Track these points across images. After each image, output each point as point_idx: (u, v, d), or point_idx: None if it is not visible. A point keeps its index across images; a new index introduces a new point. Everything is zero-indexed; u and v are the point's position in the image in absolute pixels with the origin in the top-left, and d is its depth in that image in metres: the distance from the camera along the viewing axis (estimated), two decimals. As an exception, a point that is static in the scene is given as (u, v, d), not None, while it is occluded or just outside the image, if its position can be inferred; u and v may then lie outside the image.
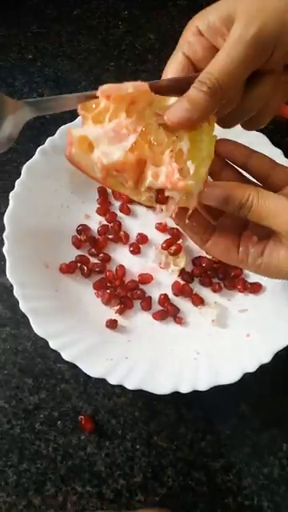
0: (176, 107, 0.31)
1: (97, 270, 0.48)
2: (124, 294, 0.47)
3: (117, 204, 0.52)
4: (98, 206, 0.52)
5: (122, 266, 0.49)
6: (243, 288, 0.47)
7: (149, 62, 0.63)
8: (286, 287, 0.46)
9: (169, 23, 0.66)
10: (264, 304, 0.46)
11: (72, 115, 0.56)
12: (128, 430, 0.44)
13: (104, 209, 0.52)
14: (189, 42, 0.34)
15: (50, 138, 0.51)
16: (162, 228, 0.50)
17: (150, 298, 0.47)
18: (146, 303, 0.47)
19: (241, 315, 0.46)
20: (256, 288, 0.47)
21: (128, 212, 0.52)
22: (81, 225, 0.50)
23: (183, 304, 0.47)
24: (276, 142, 0.51)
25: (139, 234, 0.50)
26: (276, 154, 0.50)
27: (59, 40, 0.65)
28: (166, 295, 0.47)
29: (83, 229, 0.50)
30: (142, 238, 0.50)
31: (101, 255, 0.49)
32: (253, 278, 0.48)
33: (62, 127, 0.51)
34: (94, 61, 0.64)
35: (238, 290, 0.47)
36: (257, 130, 0.51)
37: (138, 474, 0.43)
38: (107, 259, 0.49)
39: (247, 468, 0.43)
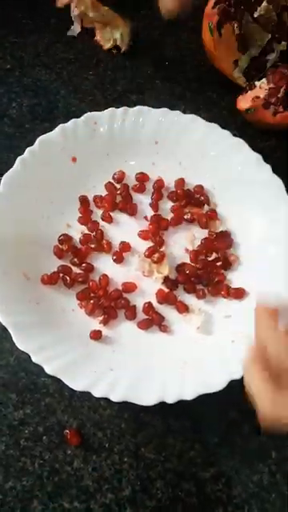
0: None
1: (80, 280, 0.47)
2: (108, 303, 0.47)
3: (99, 212, 0.52)
4: (80, 215, 0.51)
5: (105, 276, 0.48)
6: (227, 294, 0.47)
7: (127, 69, 0.63)
8: (269, 292, 0.45)
9: (145, 30, 0.66)
10: (248, 309, 0.45)
11: (51, 124, 0.56)
12: (115, 442, 0.43)
13: (86, 218, 0.51)
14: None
15: (29, 148, 0.50)
16: (144, 235, 0.50)
17: (134, 306, 0.47)
18: (131, 312, 0.46)
19: (225, 321, 0.46)
20: (239, 293, 0.47)
21: (110, 220, 0.51)
22: (62, 234, 0.49)
23: (168, 312, 0.47)
24: (255, 147, 0.51)
25: (122, 242, 0.50)
26: (255, 158, 0.50)
27: (36, 50, 0.65)
28: (150, 303, 0.47)
29: (65, 238, 0.49)
30: (125, 247, 0.50)
31: (83, 265, 0.48)
32: (236, 283, 0.48)
33: (40, 137, 0.51)
34: (72, 70, 0.64)
35: (222, 296, 0.47)
36: (236, 135, 0.52)
37: (127, 487, 0.42)
38: (90, 269, 0.49)
39: (237, 476, 0.42)
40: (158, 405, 0.40)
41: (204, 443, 0.43)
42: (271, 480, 0.42)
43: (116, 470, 0.42)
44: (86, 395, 0.44)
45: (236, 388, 0.42)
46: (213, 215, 0.51)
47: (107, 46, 0.64)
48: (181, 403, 0.40)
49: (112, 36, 0.63)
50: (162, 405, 0.40)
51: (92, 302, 0.46)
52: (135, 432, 0.43)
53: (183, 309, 0.47)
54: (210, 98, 0.61)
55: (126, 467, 0.42)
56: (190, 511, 0.41)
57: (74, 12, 0.64)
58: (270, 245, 0.48)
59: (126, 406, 0.42)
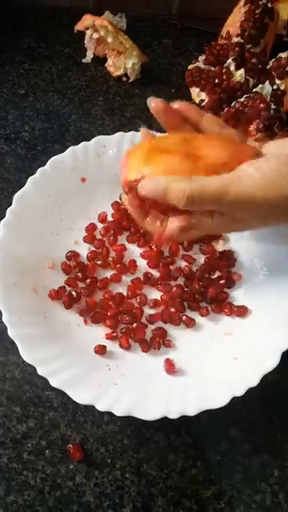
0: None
1: (85, 295, 0.49)
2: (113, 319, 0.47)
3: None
4: (86, 233, 0.53)
5: (110, 292, 0.49)
6: (230, 311, 0.48)
7: (136, 97, 0.66)
8: (271, 310, 0.46)
9: (154, 60, 0.70)
10: (250, 327, 0.47)
11: (62, 147, 0.59)
12: (117, 458, 0.43)
13: (92, 235, 0.53)
14: None
15: (40, 169, 0.53)
16: (146, 256, 0.52)
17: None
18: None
19: (228, 339, 0.47)
20: (242, 311, 0.47)
21: (116, 238, 0.53)
22: (70, 251, 0.51)
23: (171, 328, 0.48)
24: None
25: (127, 259, 0.51)
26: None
27: (50, 76, 0.69)
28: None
29: (72, 255, 0.51)
30: (130, 264, 0.51)
31: (89, 280, 0.50)
32: (239, 301, 0.49)
33: (52, 158, 0.53)
34: (83, 96, 0.67)
35: (225, 314, 0.48)
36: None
37: (128, 504, 0.42)
38: (96, 285, 0.50)
39: (239, 495, 0.42)
40: (159, 420, 0.40)
41: (206, 461, 0.43)
42: (274, 500, 0.42)
43: (118, 486, 0.42)
44: (90, 410, 0.44)
45: (238, 405, 0.42)
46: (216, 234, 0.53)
47: (117, 73, 0.68)
48: (182, 419, 0.40)
49: (124, 64, 0.66)
50: (164, 420, 0.40)
51: (97, 317, 0.47)
52: (137, 448, 0.44)
53: (190, 323, 0.47)
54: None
55: (127, 483, 0.42)
56: (191, 530, 0.41)
57: (89, 39, 0.68)
58: (274, 264, 0.49)
59: (129, 422, 0.43)
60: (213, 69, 0.61)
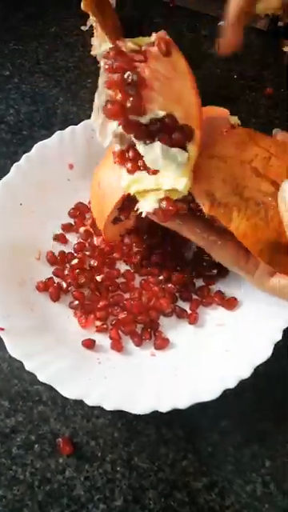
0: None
1: (73, 286, 0.47)
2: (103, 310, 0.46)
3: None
4: (75, 219, 0.51)
5: (99, 282, 0.48)
6: (221, 302, 0.47)
7: (126, 79, 0.64)
8: (264, 301, 0.46)
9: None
10: (242, 318, 0.46)
11: (49, 132, 0.56)
12: (108, 451, 0.43)
13: (80, 225, 0.51)
14: None
15: (26, 155, 0.50)
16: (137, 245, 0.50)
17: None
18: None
19: (220, 330, 0.46)
20: (233, 302, 0.47)
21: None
22: (57, 240, 0.49)
23: (162, 320, 0.47)
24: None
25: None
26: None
27: (36, 57, 0.65)
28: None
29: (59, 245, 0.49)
30: (120, 254, 0.50)
31: (77, 271, 0.48)
32: (230, 292, 0.48)
33: (38, 143, 0.51)
34: (71, 77, 0.64)
35: (216, 304, 0.47)
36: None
37: (119, 497, 0.41)
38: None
39: (230, 486, 0.42)
40: (150, 413, 0.40)
41: (197, 453, 0.43)
42: (264, 490, 0.42)
43: (108, 479, 0.42)
44: (80, 403, 0.43)
45: (228, 397, 0.41)
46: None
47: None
48: (173, 412, 0.40)
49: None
50: (155, 413, 0.40)
51: (86, 309, 0.46)
52: (128, 441, 0.43)
53: (182, 314, 0.46)
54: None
55: (118, 477, 0.42)
56: (182, 522, 0.41)
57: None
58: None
59: (119, 415, 0.42)
60: None
